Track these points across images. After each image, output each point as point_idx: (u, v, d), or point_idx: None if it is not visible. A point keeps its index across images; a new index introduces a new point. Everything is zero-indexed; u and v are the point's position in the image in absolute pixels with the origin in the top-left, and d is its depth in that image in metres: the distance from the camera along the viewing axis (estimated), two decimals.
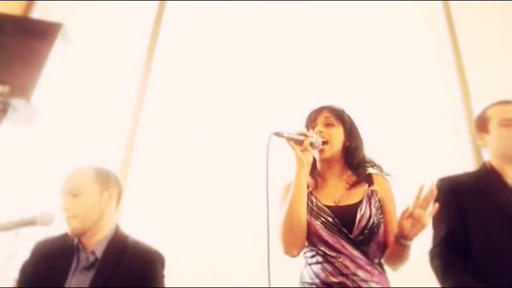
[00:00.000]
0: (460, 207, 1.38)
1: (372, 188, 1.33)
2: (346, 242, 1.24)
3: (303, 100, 2.49)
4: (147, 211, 2.19)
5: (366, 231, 1.24)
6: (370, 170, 1.41)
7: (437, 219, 1.41)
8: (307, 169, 1.28)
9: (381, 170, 1.41)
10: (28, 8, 2.52)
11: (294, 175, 1.25)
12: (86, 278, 1.25)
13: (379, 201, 1.31)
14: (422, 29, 3.05)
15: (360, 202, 1.29)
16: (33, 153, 2.21)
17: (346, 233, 1.25)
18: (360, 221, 1.25)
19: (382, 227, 1.28)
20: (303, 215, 1.25)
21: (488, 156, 1.51)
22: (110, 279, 1.23)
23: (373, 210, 1.26)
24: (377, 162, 1.42)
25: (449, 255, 1.33)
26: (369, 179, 1.37)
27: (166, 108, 2.46)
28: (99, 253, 1.29)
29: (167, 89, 2.53)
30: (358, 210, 1.26)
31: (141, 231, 2.05)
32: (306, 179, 1.29)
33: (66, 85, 2.33)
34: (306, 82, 2.70)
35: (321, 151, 1.35)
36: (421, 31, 3.04)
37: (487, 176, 1.44)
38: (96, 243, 1.31)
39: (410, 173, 2.45)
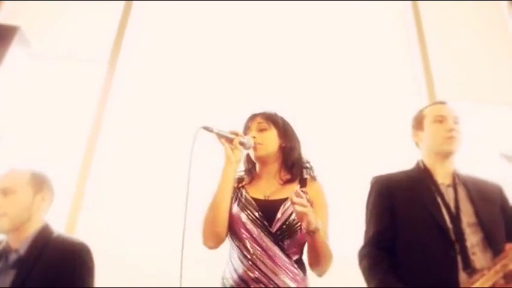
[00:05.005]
0: (390, 206, 1.40)
1: (303, 189, 1.35)
2: (266, 236, 1.26)
3: (268, 98, 2.52)
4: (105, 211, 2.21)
5: (284, 226, 1.27)
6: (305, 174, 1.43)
7: (369, 219, 1.45)
8: (235, 166, 1.32)
9: (312, 172, 1.44)
10: None
11: (221, 171, 1.30)
12: (10, 276, 1.26)
13: (307, 201, 1.31)
14: (391, 28, 3.07)
15: (286, 198, 1.31)
16: None
17: (267, 226, 1.27)
18: (281, 215, 1.28)
19: None
20: (225, 210, 1.29)
21: (421, 154, 1.53)
22: (31, 274, 1.25)
23: None
24: (310, 164, 1.45)
25: (376, 255, 1.34)
26: (302, 182, 1.40)
27: (130, 109, 2.48)
28: (22, 251, 1.31)
29: (131, 90, 2.54)
30: (282, 205, 1.30)
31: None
32: (234, 176, 1.33)
33: (25, 87, 2.36)
34: (274, 80, 2.70)
35: (255, 149, 1.38)
36: (389, 30, 3.06)
37: (418, 176, 1.45)
38: (22, 241, 1.33)
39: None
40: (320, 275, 1.32)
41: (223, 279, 1.31)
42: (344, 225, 2.11)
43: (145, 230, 2.19)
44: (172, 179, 2.31)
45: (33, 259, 1.28)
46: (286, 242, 1.28)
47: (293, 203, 1.13)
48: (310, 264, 1.30)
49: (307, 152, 1.54)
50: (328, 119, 2.66)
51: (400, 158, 2.56)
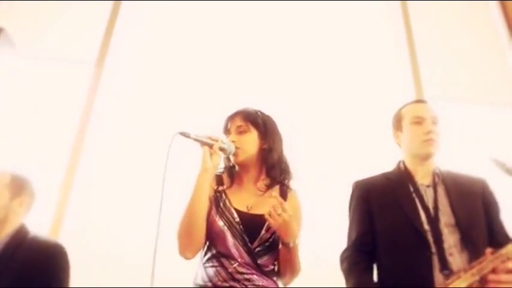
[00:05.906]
0: (369, 210, 1.40)
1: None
2: (244, 250, 1.24)
3: (256, 98, 2.51)
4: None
5: (266, 244, 1.26)
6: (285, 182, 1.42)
7: (350, 223, 1.46)
8: (211, 172, 1.29)
9: (290, 178, 1.42)
10: None
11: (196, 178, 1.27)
12: None
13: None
14: (379, 28, 3.07)
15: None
16: None
17: (246, 241, 1.25)
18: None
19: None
20: (201, 220, 1.25)
21: (402, 155, 1.52)
22: (4, 274, 1.26)
23: None
24: (290, 168, 1.43)
25: (355, 257, 1.36)
26: (283, 194, 1.37)
27: (117, 110, 2.46)
28: None
29: (118, 92, 2.53)
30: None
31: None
32: (208, 182, 1.29)
33: (10, 88, 2.36)
34: (261, 80, 2.70)
35: (235, 155, 1.36)
36: (378, 30, 3.06)
37: (398, 178, 1.45)
38: None
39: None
40: (285, 285, 1.36)
41: (195, 284, 1.28)
42: (330, 226, 2.14)
43: (129, 229, 2.17)
44: (158, 182, 2.31)
45: (6, 259, 1.29)
46: (263, 257, 1.27)
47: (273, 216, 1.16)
48: (279, 275, 1.32)
49: (293, 152, 1.51)
50: (316, 118, 2.66)
51: (389, 157, 2.60)
